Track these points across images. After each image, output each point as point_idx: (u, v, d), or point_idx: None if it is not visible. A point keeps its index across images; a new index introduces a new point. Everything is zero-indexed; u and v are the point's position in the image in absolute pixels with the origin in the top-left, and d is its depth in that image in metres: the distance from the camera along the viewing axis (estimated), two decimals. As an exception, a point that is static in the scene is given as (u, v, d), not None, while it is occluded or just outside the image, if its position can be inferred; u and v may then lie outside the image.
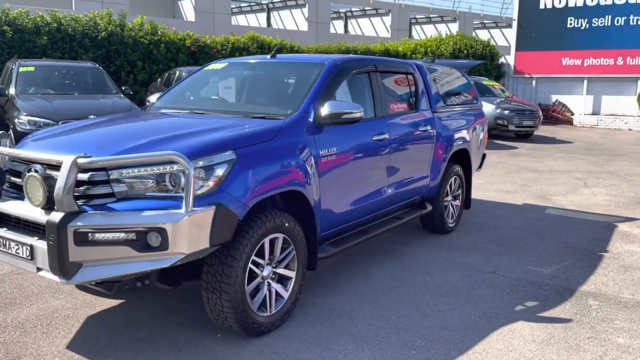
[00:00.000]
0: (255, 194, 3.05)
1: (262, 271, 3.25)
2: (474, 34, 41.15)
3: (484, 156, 6.63)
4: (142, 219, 2.63)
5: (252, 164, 3.07)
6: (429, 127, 5.14)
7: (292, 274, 3.47)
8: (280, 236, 3.30)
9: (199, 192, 2.80)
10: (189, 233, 2.67)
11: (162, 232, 2.61)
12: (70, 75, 9.10)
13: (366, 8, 37.93)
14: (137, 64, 13.78)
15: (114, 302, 3.79)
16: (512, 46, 22.02)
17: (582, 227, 6.20)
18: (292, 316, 3.57)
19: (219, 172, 2.89)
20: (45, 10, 12.95)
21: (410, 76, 5.14)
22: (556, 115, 20.96)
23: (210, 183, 2.85)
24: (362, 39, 25.27)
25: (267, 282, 3.31)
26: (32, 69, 8.84)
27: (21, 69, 8.75)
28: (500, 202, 7.39)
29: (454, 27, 39.87)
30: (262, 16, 38.97)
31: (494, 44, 22.87)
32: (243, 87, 4.36)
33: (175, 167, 2.74)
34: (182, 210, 2.67)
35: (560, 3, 20.58)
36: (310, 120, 3.65)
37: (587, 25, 20.11)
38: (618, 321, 3.71)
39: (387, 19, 37.26)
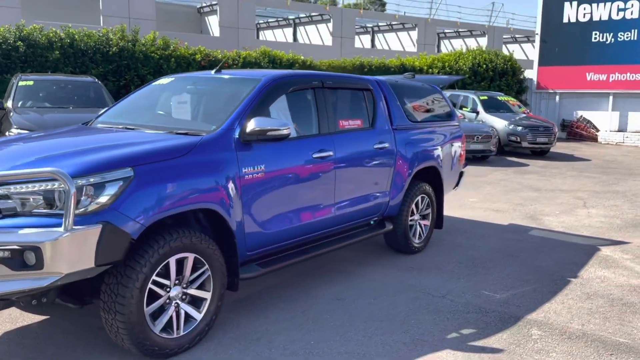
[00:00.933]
0: (155, 212, 2.99)
1: (168, 292, 3.18)
2: (503, 48, 40.62)
3: (461, 174, 6.43)
4: (17, 237, 2.61)
5: (153, 181, 3.02)
6: (386, 144, 5.00)
7: (207, 295, 3.39)
8: (190, 256, 3.23)
9: (88, 209, 2.77)
10: (69, 252, 2.63)
11: (36, 250, 2.58)
12: (67, 89, 9.31)
13: (393, 23, 37.88)
14: (147, 78, 14.03)
15: (39, 318, 3.78)
16: (535, 61, 21.57)
17: (561, 249, 5.92)
18: (209, 337, 3.48)
19: (112, 189, 2.85)
20: (60, 26, 13.37)
21: (367, 93, 5.03)
22: (580, 132, 20.33)
23: (102, 200, 2.81)
24: (389, 54, 25.05)
25: (176, 303, 3.24)
26: (30, 83, 9.08)
27: (20, 83, 9.01)
28: (486, 222, 7.14)
29: (483, 42, 39.41)
30: (289, 31, 39.38)
31: (517, 58, 22.40)
32: (181, 103, 4.34)
33: (61, 184, 2.71)
34: (62, 229, 2.63)
35: (584, 17, 20.07)
36: (236, 136, 3.59)
37: (613, 39, 19.53)
38: (554, 353, 3.48)
39: (414, 34, 37.11)
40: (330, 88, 4.56)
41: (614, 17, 19.39)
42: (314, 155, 4.16)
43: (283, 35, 39.97)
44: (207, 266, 3.34)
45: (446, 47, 43.19)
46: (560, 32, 20.63)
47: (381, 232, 5.14)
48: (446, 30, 41.18)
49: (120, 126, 4.01)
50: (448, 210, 7.66)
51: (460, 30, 40.23)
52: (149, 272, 3.00)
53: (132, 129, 3.89)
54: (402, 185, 5.25)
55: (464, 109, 15.99)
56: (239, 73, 4.41)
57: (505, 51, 40.95)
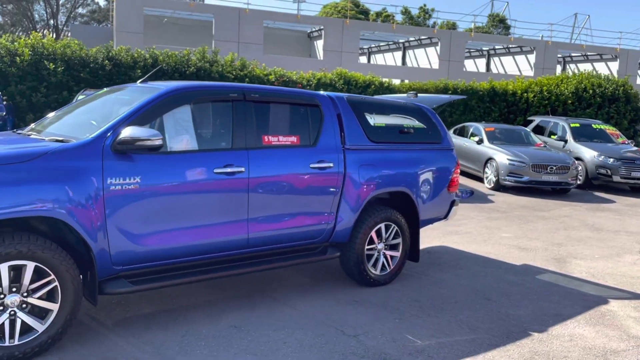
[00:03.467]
0: (-23, 216, 2.99)
1: (0, 298, 3.16)
2: (639, 73, 36.65)
3: (452, 203, 5.75)
4: None
5: (-15, 184, 3.03)
6: (330, 164, 4.63)
7: (53, 307, 3.32)
8: (30, 264, 3.20)
9: None
10: None
11: None
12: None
13: (510, 46, 36.01)
14: (220, 97, 14.65)
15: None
16: (655, 86, 19.09)
17: (556, 298, 5.02)
18: (54, 350, 3.40)
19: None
20: (146, 48, 14.50)
21: (313, 109, 4.71)
22: None
23: None
24: (504, 78, 23.50)
25: (12, 311, 3.20)
26: (88, 98, 9.89)
27: (79, 97, 9.85)
28: (496, 260, 6.32)
29: (615, 66, 36.04)
30: (399, 55, 39.22)
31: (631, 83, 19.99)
32: (94, 111, 4.36)
33: None
34: None
35: None
36: (106, 145, 3.52)
37: None
38: (414, 419, 2.90)
39: (532, 57, 34.97)
40: (256, 102, 4.33)
41: None
42: (217, 171, 3.95)
43: (393, 58, 39.88)
44: (53, 276, 3.28)
45: (572, 71, 40.06)
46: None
47: (321, 259, 4.73)
48: (573, 54, 38.20)
49: (30, 132, 4.14)
50: (465, 244, 6.96)
51: (588, 54, 37.11)
52: (-28, 277, 3.01)
53: (33, 135, 4.00)
54: (354, 209, 4.81)
55: (552, 136, 14.57)
56: (156, 84, 4.35)
57: (642, 77, 36.95)
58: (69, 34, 35.21)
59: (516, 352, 3.81)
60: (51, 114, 4.69)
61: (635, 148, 14.09)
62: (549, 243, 7.34)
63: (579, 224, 8.78)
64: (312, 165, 4.53)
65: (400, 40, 37.25)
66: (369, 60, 41.00)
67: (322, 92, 4.93)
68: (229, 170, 4.01)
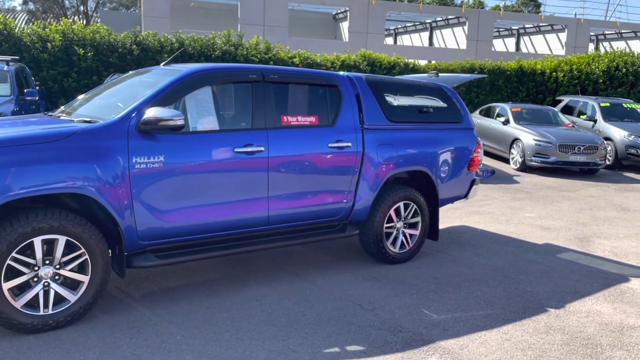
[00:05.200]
0: (11, 192, 3.17)
1: (34, 270, 3.36)
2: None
3: (472, 182, 5.77)
4: None
5: (14, 162, 3.21)
6: (348, 144, 4.70)
7: (84, 278, 3.51)
8: (61, 238, 3.38)
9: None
10: None
11: None
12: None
13: (541, 24, 35.11)
14: (245, 80, 14.77)
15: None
16: (691, 63, 18.46)
17: (576, 276, 5.03)
18: (87, 319, 3.60)
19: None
20: (172, 33, 14.69)
21: (332, 89, 4.78)
22: None
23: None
24: (534, 57, 23.00)
25: (46, 282, 3.40)
26: (117, 82, 10.13)
27: (109, 81, 10.09)
28: (518, 239, 6.33)
29: (650, 43, 34.83)
30: (425, 35, 38.65)
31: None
32: (120, 93, 4.51)
33: None
34: None
35: None
36: (131, 126, 3.67)
37: None
38: (426, 387, 3.00)
39: (563, 35, 34.06)
40: (275, 82, 4.42)
41: None
42: (237, 150, 4.07)
43: (420, 39, 39.32)
44: (83, 250, 3.47)
45: (605, 49, 38.91)
46: None
47: (340, 237, 4.84)
48: (606, 32, 37.03)
49: (62, 114, 4.33)
50: (486, 224, 6.98)
51: (622, 31, 35.93)
52: (6, 249, 3.20)
53: (63, 117, 4.18)
54: (372, 188, 4.89)
55: (582, 116, 14.29)
56: (179, 66, 4.47)
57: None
58: (99, 20, 35.78)
59: (531, 327, 3.86)
60: (80, 97, 4.87)
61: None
62: (573, 223, 7.29)
63: (605, 204, 8.67)
64: (330, 145, 4.61)
65: (427, 21, 36.64)
66: (395, 42, 40.49)
67: (340, 73, 4.99)
68: (249, 149, 4.13)
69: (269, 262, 5.05)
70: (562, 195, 9.38)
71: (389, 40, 38.98)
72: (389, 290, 4.48)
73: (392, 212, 5.09)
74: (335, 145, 4.64)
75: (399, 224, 5.19)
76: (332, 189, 4.68)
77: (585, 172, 12.01)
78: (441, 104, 5.54)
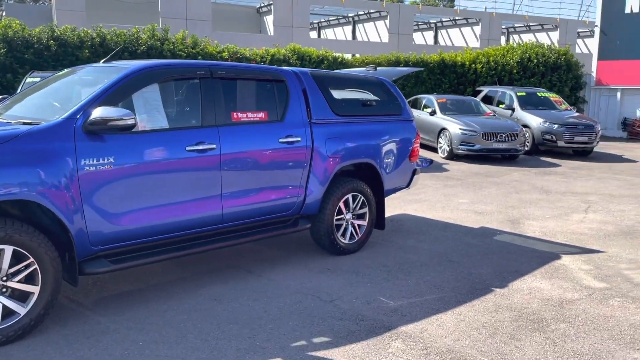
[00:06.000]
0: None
1: (-20, 282, 3.15)
2: (578, 42, 38.01)
3: (414, 172, 5.98)
4: None
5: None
6: (298, 139, 4.74)
7: (34, 289, 3.33)
8: (8, 248, 3.19)
9: None
10: None
11: None
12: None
13: (456, 18, 36.62)
14: (172, 76, 14.37)
15: None
16: (594, 55, 20.01)
17: (514, 257, 5.36)
18: (38, 333, 3.42)
19: None
20: (91, 26, 14.00)
21: (279, 84, 4.79)
22: (641, 131, 18.65)
23: None
24: (452, 50, 23.85)
25: (-7, 294, 3.20)
26: (37, 79, 9.54)
27: (28, 80, 9.50)
28: (456, 224, 6.64)
29: (555, 36, 37.21)
30: (349, 29, 39.18)
31: (585, 53, 20.82)
32: (57, 92, 4.30)
33: None
34: None
35: (649, 5, 18.37)
36: (77, 127, 3.50)
37: (681, 29, 17.71)
38: (395, 371, 3.12)
39: (478, 29, 35.71)
40: (223, 79, 4.37)
41: (684, 4, 17.57)
42: (189, 148, 3.99)
43: (343, 33, 39.82)
44: (32, 259, 3.28)
45: (515, 42, 41.19)
46: (622, 23, 18.98)
47: (293, 231, 4.88)
48: (516, 25, 39.20)
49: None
50: (425, 211, 7.25)
51: (530, 24, 38.18)
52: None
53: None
54: (322, 182, 4.96)
55: (500, 105, 15.11)
56: (122, 64, 4.32)
57: (581, 46, 38.33)
58: (4, 13, 33.33)
59: (481, 307, 4.09)
60: (7, 98, 4.57)
61: (577, 114, 14.83)
62: (503, 206, 7.73)
63: (529, 188, 9.26)
64: (280, 140, 4.63)
65: (350, 15, 37.19)
66: (319, 35, 40.78)
67: (286, 68, 5.00)
68: (200, 147, 4.06)
69: (221, 261, 4.99)
70: (489, 180, 9.91)
71: (313, 34, 39.19)
72: (344, 281, 4.57)
73: (341, 204, 5.18)
74: (286, 140, 4.66)
75: (348, 216, 5.29)
76: (284, 184, 4.70)
77: (507, 158, 12.74)
78: (383, 97, 5.70)
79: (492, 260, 5.24)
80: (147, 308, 3.89)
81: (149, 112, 3.95)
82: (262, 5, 33.59)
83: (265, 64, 15.71)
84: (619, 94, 19.48)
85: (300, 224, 4.93)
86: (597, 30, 19.85)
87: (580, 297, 4.33)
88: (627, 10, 18.75)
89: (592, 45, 22.84)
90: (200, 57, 14.87)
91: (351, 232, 5.33)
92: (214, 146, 4.14)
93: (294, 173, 4.76)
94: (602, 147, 15.11)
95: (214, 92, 4.27)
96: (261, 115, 4.60)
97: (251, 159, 4.42)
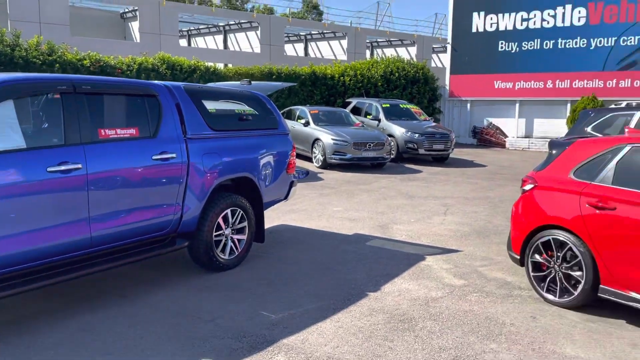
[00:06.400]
0: None
1: None
2: (433, 57, 41.29)
3: (291, 184, 6.13)
4: None
5: None
6: (173, 155, 4.63)
7: None
8: None
9: None
10: None
11: None
12: None
13: (325, 31, 37.95)
14: (26, 86, 13.20)
15: None
16: (447, 69, 21.89)
17: (385, 260, 5.71)
18: None
19: None
20: None
21: (151, 99, 4.65)
22: (489, 138, 20.76)
23: None
24: (322, 62, 24.60)
25: None
26: None
27: None
28: (332, 232, 6.89)
29: (413, 51, 40.02)
30: (220, 38, 38.85)
31: (440, 67, 22.64)
32: None
33: None
34: None
35: (491, 27, 20.51)
36: None
37: (518, 48, 20.01)
38: (279, 384, 3.18)
39: (345, 42, 37.31)
40: (88, 94, 4.14)
41: (519, 26, 19.87)
42: (50, 169, 3.73)
43: (214, 42, 39.38)
44: None
45: (379, 55, 43.69)
46: (469, 41, 20.99)
47: (170, 250, 4.75)
48: (379, 39, 41.60)
49: None
50: (302, 221, 7.42)
51: (391, 39, 40.73)
52: None
53: None
54: (200, 198, 4.89)
55: (368, 116, 15.93)
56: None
57: (436, 60, 41.68)
58: None
59: (357, 311, 4.31)
60: None
61: (434, 124, 16.14)
62: (373, 212, 8.18)
63: (395, 193, 9.89)
64: (154, 157, 4.49)
65: (221, 24, 36.91)
66: (189, 44, 39.90)
67: (158, 82, 4.87)
68: (64, 167, 3.81)
69: (92, 287, 4.70)
70: (360, 188, 10.42)
71: (183, 42, 38.29)
72: (225, 298, 4.54)
73: (220, 219, 5.15)
74: (160, 157, 4.53)
75: (227, 231, 5.27)
76: (159, 202, 4.56)
77: (376, 165, 13.47)
78: (259, 111, 5.76)
79: (365, 266, 5.53)
80: (7, 345, 3.55)
81: (2, 130, 3.62)
82: (127, 10, 32.07)
83: (132, 73, 15.03)
84: (469, 105, 21.49)
85: (177, 242, 4.82)
86: (449, 47, 21.74)
87: (443, 295, 4.73)
88: (474, 29, 20.80)
89: (445, 60, 25.00)
90: (57, 65, 13.81)
91: (231, 247, 5.31)
92: (79, 166, 3.91)
93: (169, 190, 4.64)
94: (456, 153, 16.55)
95: (78, 108, 4.03)
96: (132, 131, 4.43)
97: (121, 178, 4.24)
